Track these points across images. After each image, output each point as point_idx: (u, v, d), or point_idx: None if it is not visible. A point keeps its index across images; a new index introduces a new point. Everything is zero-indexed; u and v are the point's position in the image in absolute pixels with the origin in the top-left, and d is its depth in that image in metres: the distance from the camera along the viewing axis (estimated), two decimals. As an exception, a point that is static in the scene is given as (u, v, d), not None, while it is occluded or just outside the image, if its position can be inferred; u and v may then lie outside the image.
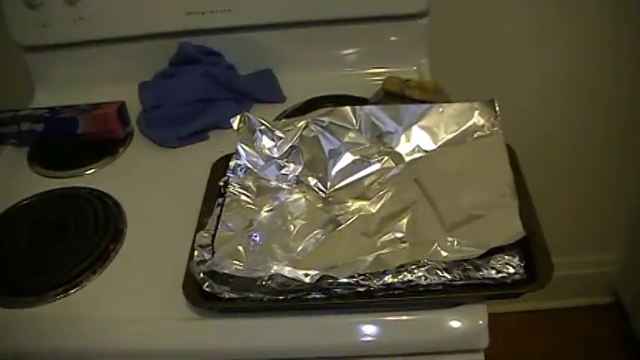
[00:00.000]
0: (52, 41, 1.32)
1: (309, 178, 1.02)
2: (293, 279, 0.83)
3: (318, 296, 0.84)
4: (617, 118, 1.69)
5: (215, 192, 1.00)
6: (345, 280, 0.82)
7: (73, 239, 1.02)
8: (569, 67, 1.58)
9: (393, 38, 1.32)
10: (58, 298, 0.93)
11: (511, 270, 0.82)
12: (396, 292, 0.83)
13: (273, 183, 1.02)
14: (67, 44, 1.32)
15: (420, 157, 1.02)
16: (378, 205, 0.96)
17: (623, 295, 2.05)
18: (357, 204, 0.98)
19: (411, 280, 0.82)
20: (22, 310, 0.92)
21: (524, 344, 2.00)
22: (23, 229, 1.05)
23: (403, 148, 1.03)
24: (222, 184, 1.00)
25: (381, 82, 1.20)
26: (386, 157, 1.02)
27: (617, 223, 1.93)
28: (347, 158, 1.03)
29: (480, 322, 0.83)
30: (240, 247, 0.90)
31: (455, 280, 0.82)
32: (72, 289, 0.94)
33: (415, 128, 1.03)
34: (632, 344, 1.95)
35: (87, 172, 1.17)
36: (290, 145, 1.03)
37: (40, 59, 1.36)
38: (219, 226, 0.94)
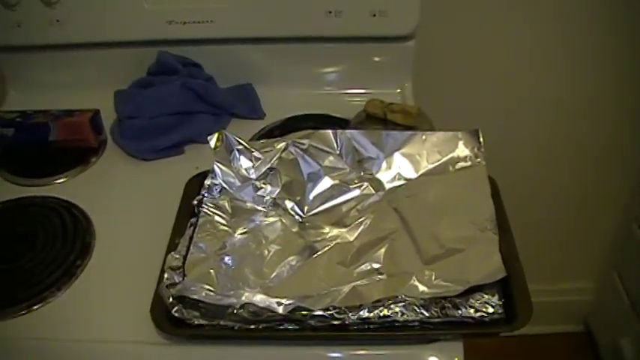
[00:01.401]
0: (27, 42, 1.28)
1: (286, 202, 1.00)
2: (266, 308, 0.81)
3: (291, 327, 0.81)
4: (600, 154, 1.70)
5: (188, 211, 0.98)
6: (319, 312, 0.80)
7: (40, 252, 0.98)
8: (559, 94, 1.58)
9: (377, 59, 1.30)
10: (21, 315, 0.90)
11: (490, 310, 0.80)
12: (371, 326, 0.81)
13: (249, 204, 0.99)
14: (42, 46, 1.29)
15: (401, 185, 1.00)
16: (356, 233, 0.94)
17: (593, 324, 2.05)
18: (335, 231, 0.95)
19: (388, 316, 0.80)
20: (-19, 325, 0.89)
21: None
22: (-14, 238, 1.02)
23: (384, 175, 1.01)
24: (195, 203, 0.98)
25: (363, 103, 1.18)
26: (366, 184, 1.00)
27: (592, 253, 1.93)
28: (326, 183, 1.01)
29: (456, 359, 0.81)
30: (212, 271, 0.88)
31: (432, 318, 0.80)
32: (35, 305, 0.91)
33: (397, 155, 1.01)
34: (601, 374, 1.95)
35: (57, 182, 1.14)
36: (268, 166, 1.01)
37: (14, 60, 1.32)
38: (190, 248, 0.91)
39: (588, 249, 1.92)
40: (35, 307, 0.91)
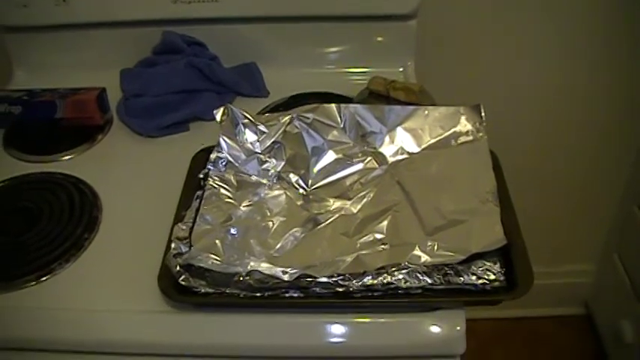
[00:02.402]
0: (33, 22, 1.29)
1: (291, 175, 1.01)
2: (271, 276, 0.82)
3: (295, 295, 0.83)
4: (601, 135, 1.71)
5: (194, 184, 0.99)
6: (324, 279, 0.82)
7: (47, 226, 1.00)
8: (559, 74, 1.58)
9: (379, 39, 1.31)
10: (30, 286, 0.91)
11: (492, 276, 0.82)
12: (375, 293, 0.82)
13: (254, 178, 1.01)
14: (48, 26, 1.30)
15: (404, 159, 1.02)
16: (359, 206, 0.96)
17: (593, 307, 2.06)
18: (338, 203, 0.97)
19: (391, 283, 0.81)
20: (-9, 295, 0.91)
21: (494, 352, 2.00)
22: (-4, 213, 1.03)
23: (387, 149, 1.02)
24: (202, 176, 0.99)
25: (366, 81, 1.19)
26: (369, 158, 1.02)
27: (592, 235, 1.94)
28: (330, 156, 1.02)
29: (458, 327, 0.83)
30: (218, 242, 0.89)
31: (435, 285, 0.82)
32: (44, 276, 0.92)
33: (399, 130, 1.03)
34: (602, 357, 1.96)
35: (63, 158, 1.15)
36: (273, 140, 1.02)
37: (20, 40, 1.33)
38: (197, 219, 0.92)
39: (589, 231, 1.93)
40: (44, 279, 0.92)
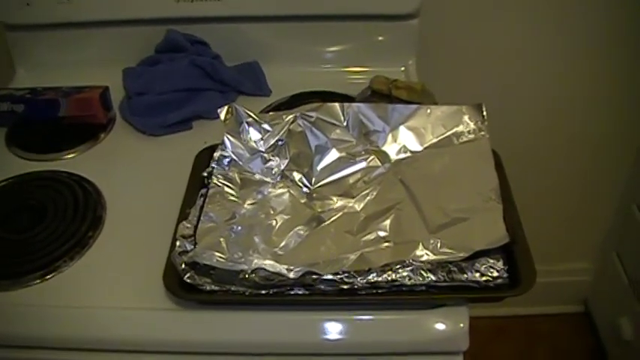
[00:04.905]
0: (35, 21, 1.29)
1: (294, 173, 1.01)
2: (276, 273, 0.83)
3: (300, 292, 0.83)
4: (601, 135, 1.71)
5: (198, 182, 0.99)
6: (329, 277, 0.82)
7: (51, 224, 1.00)
8: (560, 73, 1.59)
9: (381, 38, 1.31)
10: (35, 284, 0.92)
11: (495, 274, 0.82)
12: (379, 291, 0.83)
13: (258, 176, 1.01)
14: (51, 25, 1.30)
15: (406, 157, 1.02)
16: (363, 204, 0.96)
17: (592, 304, 2.08)
18: (342, 202, 0.97)
19: (396, 280, 0.82)
20: (-3, 293, 0.91)
21: (493, 349, 2.01)
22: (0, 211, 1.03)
23: (389, 147, 1.03)
24: (205, 174, 1.00)
25: (367, 80, 1.19)
26: (372, 156, 1.02)
27: (591, 234, 1.95)
28: (333, 155, 1.02)
29: (461, 324, 0.84)
30: (222, 239, 0.89)
31: (439, 282, 0.82)
32: (49, 274, 0.93)
33: (402, 128, 1.03)
34: (601, 354, 1.97)
35: (67, 157, 1.15)
36: (277, 138, 1.03)
37: (23, 38, 1.33)
38: (201, 217, 0.93)
39: (588, 230, 1.93)
40: (49, 276, 0.93)
